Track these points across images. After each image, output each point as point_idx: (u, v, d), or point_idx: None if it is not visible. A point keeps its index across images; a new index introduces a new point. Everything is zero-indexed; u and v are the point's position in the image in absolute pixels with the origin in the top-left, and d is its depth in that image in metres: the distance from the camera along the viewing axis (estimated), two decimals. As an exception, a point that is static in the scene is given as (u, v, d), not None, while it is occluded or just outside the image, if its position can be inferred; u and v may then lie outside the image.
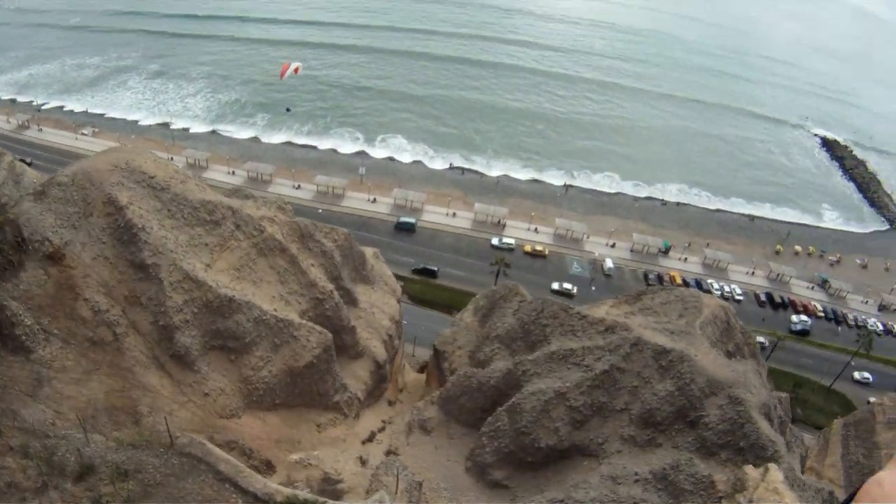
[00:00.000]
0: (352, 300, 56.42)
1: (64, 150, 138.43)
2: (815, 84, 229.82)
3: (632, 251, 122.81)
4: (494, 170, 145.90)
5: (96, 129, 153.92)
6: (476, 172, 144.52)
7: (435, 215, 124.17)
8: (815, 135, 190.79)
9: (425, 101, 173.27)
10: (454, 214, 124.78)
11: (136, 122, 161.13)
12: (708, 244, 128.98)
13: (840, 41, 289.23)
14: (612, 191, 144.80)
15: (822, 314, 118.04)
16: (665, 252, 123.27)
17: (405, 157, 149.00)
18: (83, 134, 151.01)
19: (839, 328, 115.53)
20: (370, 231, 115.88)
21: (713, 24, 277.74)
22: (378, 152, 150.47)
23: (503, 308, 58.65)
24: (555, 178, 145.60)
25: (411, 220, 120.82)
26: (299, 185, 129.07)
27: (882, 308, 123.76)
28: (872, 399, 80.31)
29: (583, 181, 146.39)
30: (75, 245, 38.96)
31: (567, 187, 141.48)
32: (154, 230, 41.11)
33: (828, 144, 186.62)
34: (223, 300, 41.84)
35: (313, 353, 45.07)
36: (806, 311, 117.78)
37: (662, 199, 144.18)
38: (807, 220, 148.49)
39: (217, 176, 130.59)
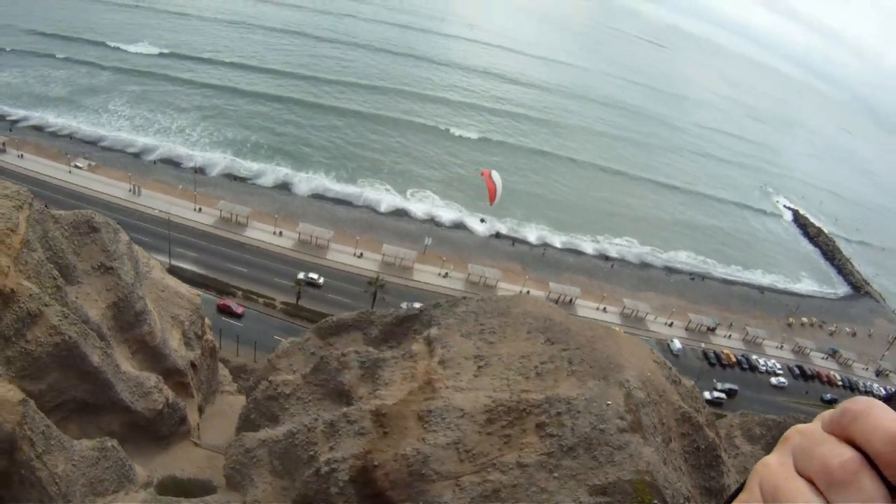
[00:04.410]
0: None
1: (56, 186, 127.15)
2: (756, 149, 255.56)
3: (686, 329, 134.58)
4: (530, 234, 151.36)
5: (92, 163, 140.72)
6: (524, 242, 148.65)
7: (510, 293, 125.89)
8: (778, 202, 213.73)
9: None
10: (528, 293, 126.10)
11: (139, 156, 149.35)
12: (746, 325, 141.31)
13: (763, 101, 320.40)
14: (636, 260, 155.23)
15: (840, 383, 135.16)
16: (713, 330, 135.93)
17: (443, 216, 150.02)
18: (76, 167, 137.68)
19: (855, 395, 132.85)
20: None
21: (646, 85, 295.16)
22: (415, 208, 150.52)
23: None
24: (585, 244, 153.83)
25: None
26: (361, 254, 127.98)
27: (878, 374, 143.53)
28: None
29: (605, 245, 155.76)
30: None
31: (612, 262, 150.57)
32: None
33: (792, 212, 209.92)
34: None
35: None
36: (830, 382, 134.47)
37: (691, 274, 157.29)
38: (793, 288, 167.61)
39: (261, 236, 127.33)
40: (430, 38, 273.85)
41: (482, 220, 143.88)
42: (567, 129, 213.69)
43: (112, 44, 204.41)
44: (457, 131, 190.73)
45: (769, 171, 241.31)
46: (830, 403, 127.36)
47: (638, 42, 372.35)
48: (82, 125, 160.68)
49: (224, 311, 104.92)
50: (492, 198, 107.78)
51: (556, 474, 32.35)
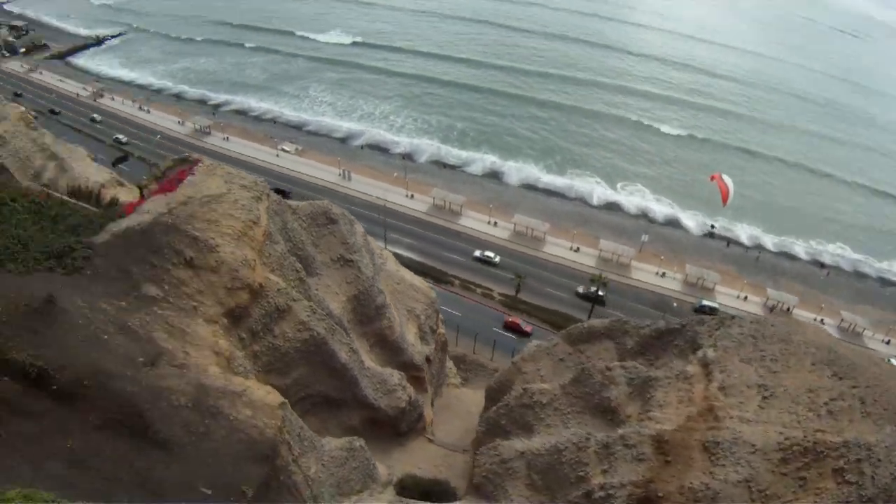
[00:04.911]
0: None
1: (265, 169, 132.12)
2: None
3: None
4: (742, 233, 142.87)
5: (299, 147, 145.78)
6: (738, 243, 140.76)
7: (727, 297, 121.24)
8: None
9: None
10: (746, 298, 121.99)
11: (344, 141, 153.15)
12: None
13: None
14: (850, 269, 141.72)
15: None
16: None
17: (656, 211, 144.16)
18: (284, 150, 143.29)
19: None
20: (667, 312, 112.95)
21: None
22: (626, 202, 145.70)
23: None
24: (798, 248, 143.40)
25: (714, 303, 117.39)
26: (578, 248, 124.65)
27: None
28: None
29: (818, 248, 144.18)
30: None
31: (828, 270, 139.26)
32: None
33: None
34: None
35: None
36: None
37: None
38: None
39: (475, 225, 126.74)
40: (620, 27, 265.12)
41: (712, 227, 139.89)
42: (772, 126, 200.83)
43: (300, 33, 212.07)
44: (661, 127, 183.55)
45: None
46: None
47: (830, 32, 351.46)
48: (284, 110, 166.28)
49: (512, 328, 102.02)
50: (724, 199, 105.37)
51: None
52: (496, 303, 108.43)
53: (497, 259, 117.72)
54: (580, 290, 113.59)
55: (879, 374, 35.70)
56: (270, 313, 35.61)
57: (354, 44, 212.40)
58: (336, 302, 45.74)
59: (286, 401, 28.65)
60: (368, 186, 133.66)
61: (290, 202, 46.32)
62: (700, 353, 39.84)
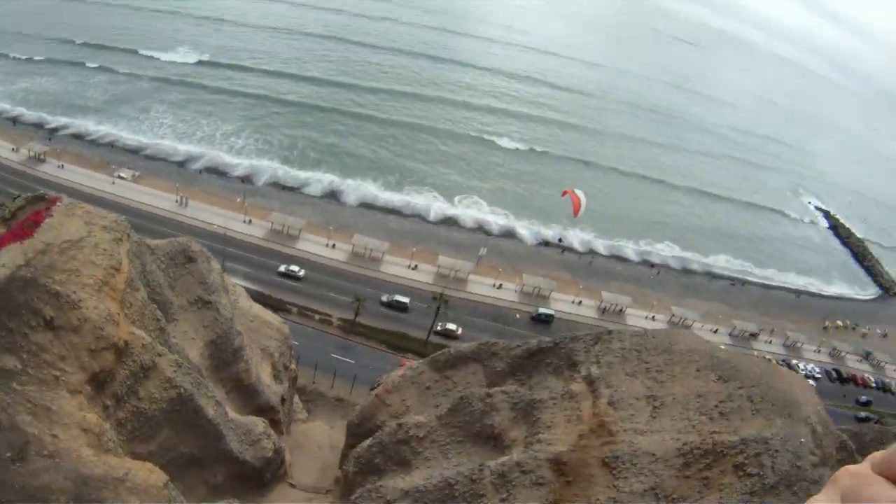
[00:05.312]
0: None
1: (99, 199, 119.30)
2: (788, 151, 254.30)
3: (730, 336, 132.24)
4: (575, 240, 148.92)
5: (136, 173, 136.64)
6: (572, 250, 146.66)
7: (563, 304, 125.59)
8: (810, 203, 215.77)
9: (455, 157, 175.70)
10: (580, 303, 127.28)
11: (183, 164, 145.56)
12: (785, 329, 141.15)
13: (794, 100, 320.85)
14: (678, 266, 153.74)
15: (874, 385, 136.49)
16: (755, 336, 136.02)
17: (492, 223, 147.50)
18: (120, 177, 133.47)
19: (886, 395, 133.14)
20: (507, 323, 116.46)
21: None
22: (464, 215, 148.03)
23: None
24: (628, 250, 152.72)
25: (550, 311, 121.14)
26: (416, 266, 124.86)
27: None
28: None
29: (647, 248, 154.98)
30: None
31: (658, 269, 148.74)
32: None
33: (823, 213, 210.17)
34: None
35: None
36: (864, 384, 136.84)
37: (731, 279, 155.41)
38: (826, 290, 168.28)
39: (314, 248, 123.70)
40: (469, 42, 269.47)
41: (560, 240, 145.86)
42: (610, 136, 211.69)
43: (145, 52, 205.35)
44: (500, 140, 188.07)
45: (801, 172, 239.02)
46: (866, 406, 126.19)
47: (670, 41, 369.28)
48: (123, 133, 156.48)
49: None
50: (576, 211, 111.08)
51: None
52: (335, 328, 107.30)
53: (301, 273, 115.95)
54: (384, 298, 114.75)
55: (761, 374, 38.32)
56: (136, 373, 32.66)
57: (200, 62, 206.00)
58: (194, 349, 42.97)
59: (168, 478, 27.33)
60: (206, 213, 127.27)
61: (148, 241, 43.58)
62: (583, 371, 40.32)
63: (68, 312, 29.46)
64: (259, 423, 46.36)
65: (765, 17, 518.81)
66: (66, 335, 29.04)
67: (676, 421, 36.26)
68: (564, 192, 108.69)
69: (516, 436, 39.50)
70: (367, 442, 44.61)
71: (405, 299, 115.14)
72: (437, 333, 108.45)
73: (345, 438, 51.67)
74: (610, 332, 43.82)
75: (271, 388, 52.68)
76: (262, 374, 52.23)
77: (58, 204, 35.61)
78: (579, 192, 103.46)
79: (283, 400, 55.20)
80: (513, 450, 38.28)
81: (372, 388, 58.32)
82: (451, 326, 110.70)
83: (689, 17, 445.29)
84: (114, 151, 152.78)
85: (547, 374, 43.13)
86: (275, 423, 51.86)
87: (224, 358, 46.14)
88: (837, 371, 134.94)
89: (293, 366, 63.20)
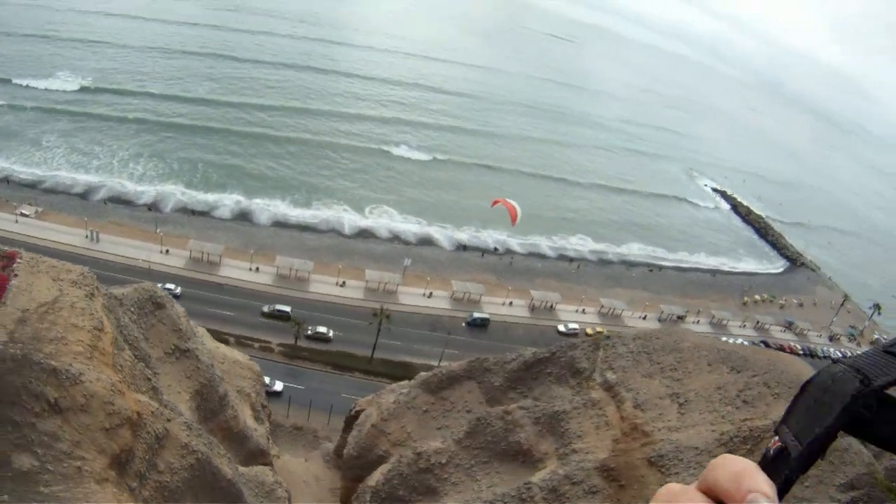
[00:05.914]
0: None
1: (9, 240, 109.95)
2: (675, 138, 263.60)
3: (659, 320, 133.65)
4: (489, 241, 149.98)
5: (39, 209, 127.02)
6: (492, 252, 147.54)
7: (494, 306, 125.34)
8: (705, 185, 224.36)
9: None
10: (511, 304, 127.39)
11: (85, 196, 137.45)
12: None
13: (674, 88, 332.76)
14: (595, 258, 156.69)
15: (801, 352, 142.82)
16: (682, 318, 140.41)
17: (407, 232, 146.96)
18: (23, 214, 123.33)
19: (815, 361, 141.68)
20: (442, 330, 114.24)
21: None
22: (377, 226, 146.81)
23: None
24: (544, 246, 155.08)
25: (484, 315, 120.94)
26: (343, 283, 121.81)
27: (831, 339, 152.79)
28: None
29: (562, 243, 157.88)
30: None
31: (577, 263, 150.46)
32: None
33: (720, 193, 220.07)
34: None
35: None
36: (792, 352, 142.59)
37: (648, 265, 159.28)
38: (739, 267, 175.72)
39: (237, 274, 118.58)
40: (349, 51, 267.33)
41: (496, 249, 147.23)
42: (505, 138, 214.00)
43: (19, 81, 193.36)
44: (398, 150, 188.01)
45: (693, 157, 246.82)
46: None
47: (547, 39, 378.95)
48: (16, 166, 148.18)
49: None
50: (513, 219, 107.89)
51: (805, 484, 33.05)
52: (278, 354, 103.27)
53: (178, 290, 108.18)
54: (265, 308, 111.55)
55: (768, 360, 38.99)
56: (151, 445, 29.51)
57: (83, 89, 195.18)
58: (181, 402, 39.76)
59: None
60: (121, 246, 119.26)
61: (113, 290, 39.47)
62: (598, 377, 40.39)
63: (71, 390, 26.07)
64: (268, 473, 44.31)
65: (636, 11, 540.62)
66: (75, 417, 25.78)
67: (705, 414, 36.39)
68: (495, 202, 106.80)
69: (546, 449, 39.17)
70: (383, 474, 43.02)
71: (287, 308, 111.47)
72: (308, 338, 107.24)
73: (340, 472, 50.46)
74: (608, 336, 43.99)
75: (257, 431, 50.07)
76: (245, 417, 49.46)
77: (17, 260, 30.81)
78: (512, 200, 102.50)
79: (267, 439, 52.81)
80: (545, 462, 37.80)
81: (350, 414, 57.05)
82: (322, 329, 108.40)
83: (562, 14, 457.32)
84: (10, 187, 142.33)
85: (549, 384, 42.78)
86: (266, 466, 49.44)
87: (211, 407, 43.38)
88: (765, 343, 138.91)
89: (265, 402, 60.39)
